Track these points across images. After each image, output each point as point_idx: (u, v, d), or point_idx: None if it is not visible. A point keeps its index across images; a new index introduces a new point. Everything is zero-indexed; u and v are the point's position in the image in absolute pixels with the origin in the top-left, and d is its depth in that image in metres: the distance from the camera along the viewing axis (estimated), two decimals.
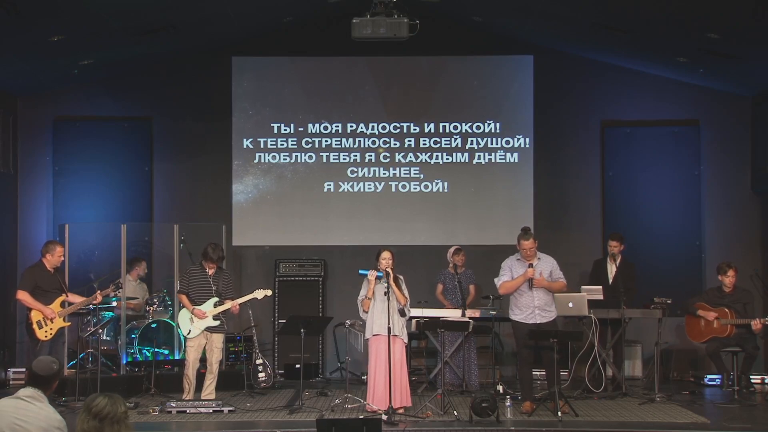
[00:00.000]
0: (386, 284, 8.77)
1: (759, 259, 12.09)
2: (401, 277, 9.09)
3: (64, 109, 12.40)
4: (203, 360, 9.82)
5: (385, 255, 8.93)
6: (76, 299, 9.50)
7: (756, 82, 11.60)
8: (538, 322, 8.96)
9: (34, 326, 9.18)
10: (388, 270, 8.82)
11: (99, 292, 9.55)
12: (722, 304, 10.23)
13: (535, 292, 8.96)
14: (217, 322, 9.65)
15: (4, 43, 9.75)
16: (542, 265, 9.07)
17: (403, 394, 8.85)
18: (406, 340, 9.08)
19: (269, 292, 9.99)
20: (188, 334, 9.66)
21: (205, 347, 9.68)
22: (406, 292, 9.01)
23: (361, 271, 9.03)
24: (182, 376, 9.69)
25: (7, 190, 11.98)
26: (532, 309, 8.98)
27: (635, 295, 10.58)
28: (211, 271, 9.75)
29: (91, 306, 10.00)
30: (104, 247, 11.52)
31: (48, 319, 9.22)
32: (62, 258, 9.55)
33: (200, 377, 9.71)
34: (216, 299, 9.67)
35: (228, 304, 9.65)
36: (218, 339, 9.71)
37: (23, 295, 9.30)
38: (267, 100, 12.50)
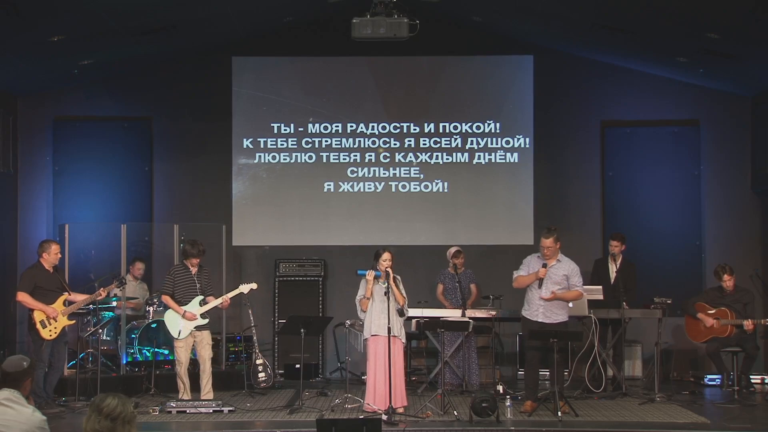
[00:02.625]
0: (386, 285, 8.77)
1: (759, 259, 12.09)
2: (398, 277, 9.08)
3: (64, 109, 12.40)
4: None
5: (386, 256, 8.93)
6: (78, 297, 9.48)
7: (756, 82, 11.60)
8: (540, 320, 8.95)
9: (38, 326, 9.16)
10: (388, 270, 8.82)
11: (102, 288, 9.51)
12: (722, 304, 10.23)
13: (543, 291, 8.93)
14: (206, 320, 9.63)
15: (4, 43, 9.75)
16: (558, 269, 8.97)
17: (401, 394, 8.84)
18: (404, 341, 9.09)
19: (255, 286, 9.90)
20: (178, 335, 9.58)
21: (194, 346, 9.65)
22: (403, 292, 9.00)
23: (359, 272, 9.03)
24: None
25: (7, 190, 11.98)
26: (537, 307, 8.97)
27: (635, 295, 10.58)
28: (194, 269, 9.69)
29: (91, 306, 9.99)
30: (104, 247, 11.52)
31: (51, 318, 9.21)
32: (59, 255, 9.51)
33: (194, 377, 9.67)
34: (201, 297, 9.64)
35: (217, 301, 9.62)
36: (207, 336, 9.64)
37: (23, 297, 9.28)
38: (267, 100, 12.50)
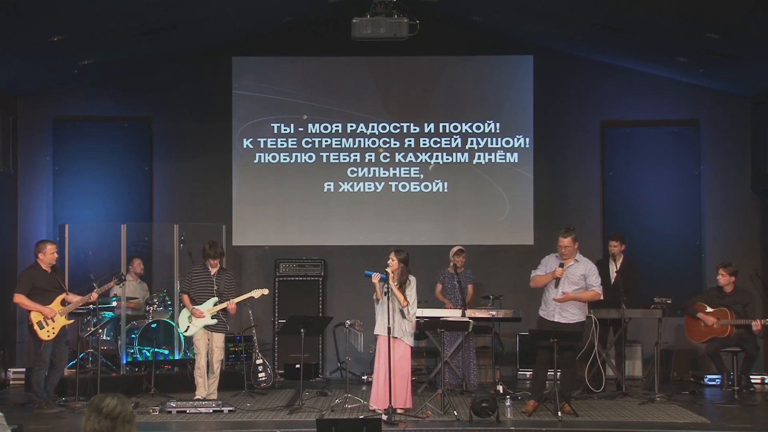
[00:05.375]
0: (386, 285, 8.76)
1: (759, 259, 12.09)
2: (412, 278, 9.04)
3: (64, 109, 12.40)
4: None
5: (390, 256, 8.96)
6: (74, 298, 9.48)
7: (756, 82, 11.60)
8: (556, 320, 8.93)
9: (35, 327, 9.16)
10: (387, 270, 8.81)
11: (96, 290, 9.51)
12: (722, 305, 10.22)
13: (560, 290, 8.92)
14: (215, 321, 9.65)
15: (4, 43, 9.75)
16: (576, 269, 8.96)
17: (402, 396, 8.82)
18: (409, 343, 8.99)
19: (266, 291, 10.01)
20: (185, 331, 9.74)
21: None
22: (411, 294, 8.94)
23: (366, 272, 9.02)
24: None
25: (7, 190, 11.97)
26: (553, 306, 8.96)
27: (635, 294, 10.59)
28: (213, 270, 9.77)
29: (91, 306, 9.98)
30: (104, 247, 11.51)
31: (48, 319, 9.20)
32: (55, 255, 9.50)
33: None
34: (216, 299, 9.68)
35: (224, 304, 9.66)
36: (219, 339, 9.71)
37: (20, 298, 9.27)
38: (267, 100, 12.50)
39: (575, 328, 8.97)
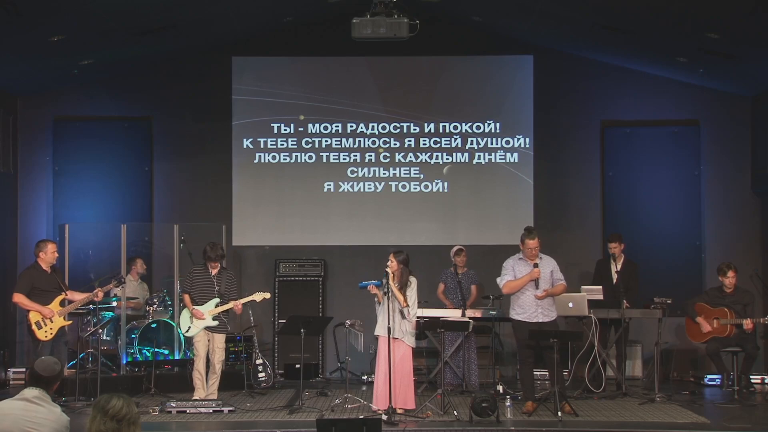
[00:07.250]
0: (386, 285, 8.76)
1: (759, 259, 12.09)
2: (412, 279, 9.03)
3: (64, 109, 12.40)
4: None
5: (389, 257, 8.96)
6: (77, 297, 9.47)
7: (756, 82, 11.60)
8: (540, 320, 8.96)
9: (33, 327, 9.16)
10: (387, 270, 8.81)
11: (99, 288, 9.51)
12: (723, 305, 10.23)
13: (541, 290, 8.94)
14: (216, 322, 9.64)
15: (4, 43, 9.75)
16: (543, 266, 9.04)
17: (404, 396, 8.81)
18: (409, 343, 8.99)
19: (268, 295, 9.98)
20: (186, 332, 9.72)
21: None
22: (411, 295, 8.94)
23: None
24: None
25: (7, 190, 11.97)
26: (534, 308, 8.97)
27: (635, 295, 10.59)
28: (214, 271, 9.75)
29: (91, 306, 9.98)
30: (104, 247, 11.51)
31: (47, 319, 9.20)
32: (56, 254, 9.51)
33: None
34: (217, 300, 9.66)
35: (230, 305, 9.65)
36: (220, 339, 9.69)
37: (19, 298, 9.27)
38: (267, 100, 12.50)
39: (554, 327, 9.03)
